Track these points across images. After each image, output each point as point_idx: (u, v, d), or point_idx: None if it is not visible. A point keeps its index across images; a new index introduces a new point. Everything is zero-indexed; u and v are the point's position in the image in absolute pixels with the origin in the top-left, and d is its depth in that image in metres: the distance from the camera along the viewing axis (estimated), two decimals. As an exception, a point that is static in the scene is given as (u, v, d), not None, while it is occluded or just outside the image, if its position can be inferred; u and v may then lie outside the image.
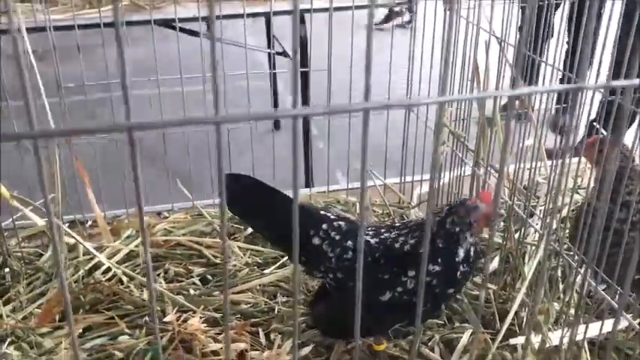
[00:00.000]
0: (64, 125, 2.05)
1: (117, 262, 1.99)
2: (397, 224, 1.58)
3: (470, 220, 1.44)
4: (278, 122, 3.59)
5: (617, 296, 1.53)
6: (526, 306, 1.74)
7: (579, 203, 2.02)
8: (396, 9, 5.66)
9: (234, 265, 2.02)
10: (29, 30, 1.95)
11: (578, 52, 1.78)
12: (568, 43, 2.92)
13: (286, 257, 1.98)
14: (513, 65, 1.65)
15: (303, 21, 2.69)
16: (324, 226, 1.52)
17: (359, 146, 0.65)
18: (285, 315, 1.80)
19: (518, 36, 2.33)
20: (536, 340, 1.58)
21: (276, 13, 2.55)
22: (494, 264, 1.91)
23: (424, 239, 0.77)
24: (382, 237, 1.53)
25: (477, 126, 1.88)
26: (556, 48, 1.89)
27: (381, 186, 2.47)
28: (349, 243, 1.51)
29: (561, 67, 2.12)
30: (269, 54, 3.04)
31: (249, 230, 2.19)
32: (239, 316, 1.81)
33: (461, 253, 1.46)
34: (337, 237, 1.52)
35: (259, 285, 1.93)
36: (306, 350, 1.66)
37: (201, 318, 1.74)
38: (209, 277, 1.99)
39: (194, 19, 2.52)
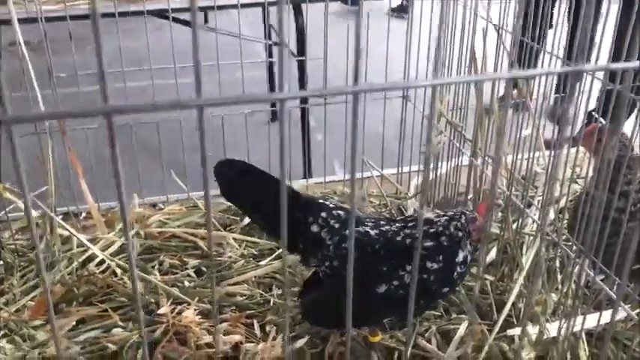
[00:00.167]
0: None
1: (111, 254, 1.97)
2: (400, 217, 1.58)
3: (469, 229, 1.50)
4: (275, 113, 3.56)
5: (615, 287, 1.52)
6: (524, 297, 1.73)
7: (578, 193, 2.00)
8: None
9: (230, 257, 2.00)
10: (21, 21, 1.93)
11: (577, 38, 1.76)
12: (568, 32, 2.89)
13: (282, 249, 1.96)
14: (511, 51, 1.63)
15: (300, 11, 2.66)
16: (324, 214, 1.51)
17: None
18: (280, 307, 1.78)
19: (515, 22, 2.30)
20: (533, 331, 1.57)
21: (271, 4, 2.53)
22: (492, 254, 1.90)
23: (418, 231, 0.75)
24: (383, 229, 1.52)
25: (475, 115, 1.86)
26: (554, 36, 1.87)
27: (378, 176, 2.45)
28: (348, 232, 1.49)
29: (561, 57, 2.09)
30: (265, 44, 3.02)
31: (245, 222, 2.17)
32: (234, 307, 1.80)
33: (461, 255, 1.49)
34: (336, 225, 1.51)
35: (255, 277, 1.91)
36: (301, 342, 1.64)
37: (195, 310, 1.73)
38: (204, 269, 1.97)
39: (188, 10, 2.49)
